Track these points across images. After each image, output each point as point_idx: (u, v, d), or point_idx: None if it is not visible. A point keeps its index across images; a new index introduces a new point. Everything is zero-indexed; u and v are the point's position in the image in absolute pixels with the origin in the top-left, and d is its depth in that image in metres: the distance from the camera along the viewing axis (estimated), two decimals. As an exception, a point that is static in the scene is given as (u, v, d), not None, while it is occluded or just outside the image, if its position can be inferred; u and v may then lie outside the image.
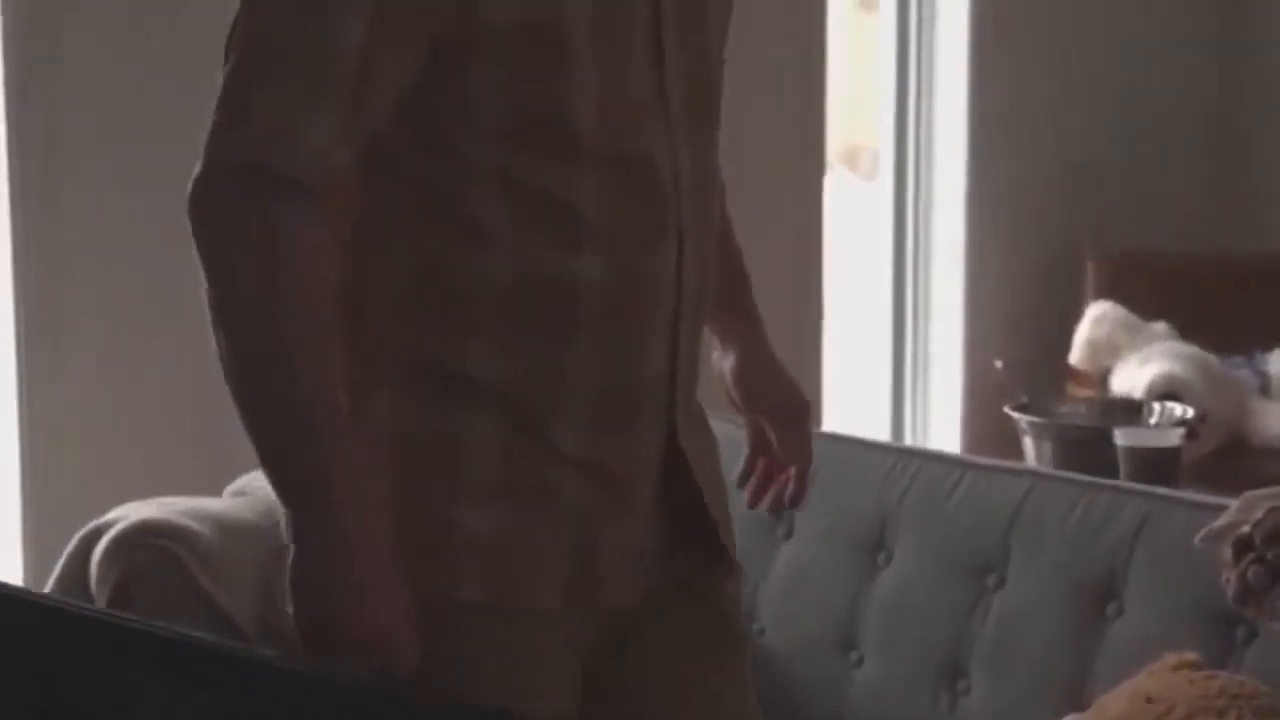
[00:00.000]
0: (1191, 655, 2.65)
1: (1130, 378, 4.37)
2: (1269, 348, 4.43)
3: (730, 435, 2.24)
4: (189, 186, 1.76)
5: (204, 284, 1.77)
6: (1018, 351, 4.39)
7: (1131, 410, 3.79)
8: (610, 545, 1.92)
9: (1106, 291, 4.67)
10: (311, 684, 1.82)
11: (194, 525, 3.02)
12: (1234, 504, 2.74)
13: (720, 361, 2.24)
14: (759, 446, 2.25)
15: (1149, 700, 2.55)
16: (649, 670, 2.03)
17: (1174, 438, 3.36)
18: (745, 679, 2.13)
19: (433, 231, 1.85)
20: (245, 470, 3.24)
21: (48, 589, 3.01)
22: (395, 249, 1.87)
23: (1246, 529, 2.65)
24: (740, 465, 2.28)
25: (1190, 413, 3.72)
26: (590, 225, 1.85)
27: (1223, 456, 4.22)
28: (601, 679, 1.98)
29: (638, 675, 2.02)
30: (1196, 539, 2.73)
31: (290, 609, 1.81)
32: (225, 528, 3.05)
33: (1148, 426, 3.61)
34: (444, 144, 1.83)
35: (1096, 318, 4.59)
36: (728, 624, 2.08)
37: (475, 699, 1.86)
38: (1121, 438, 3.29)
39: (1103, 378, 4.53)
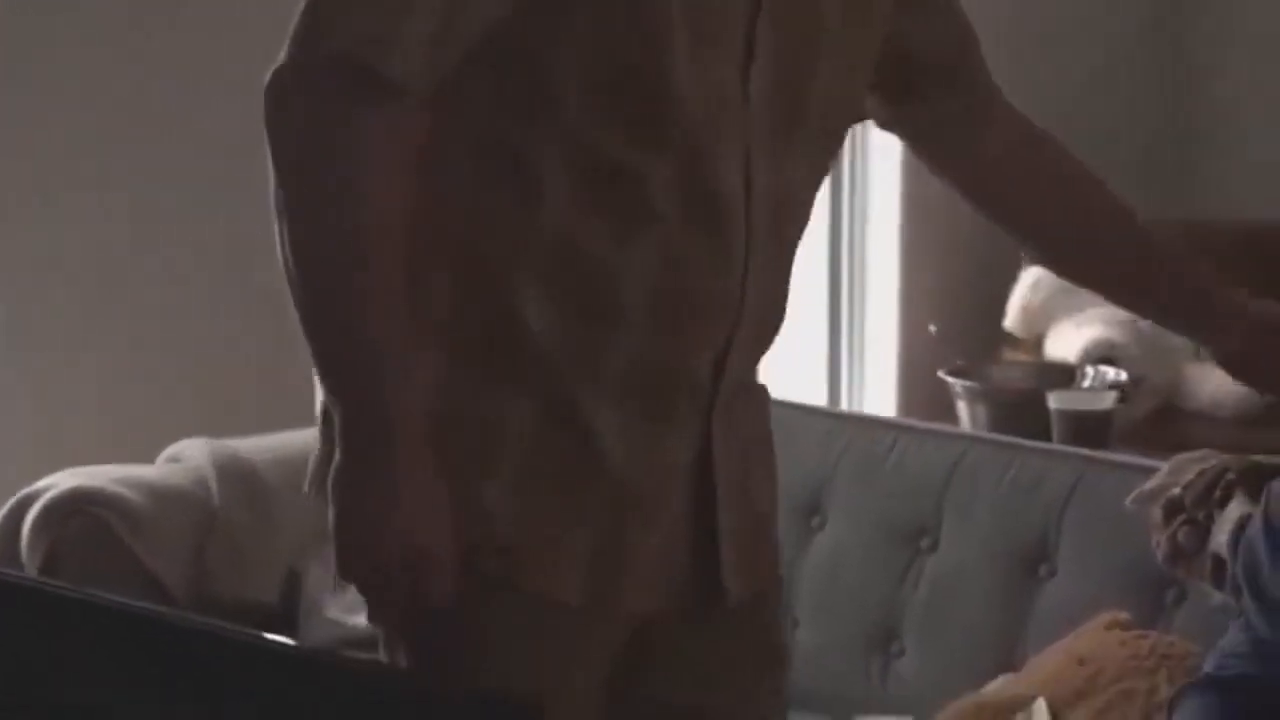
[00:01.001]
0: (1122, 615, 2.67)
1: (1065, 342, 4.38)
2: (1202, 312, 4.44)
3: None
4: (266, 77, 1.72)
5: (272, 175, 1.73)
6: (953, 316, 4.40)
7: (1065, 374, 3.80)
8: (635, 546, 1.87)
9: (1041, 256, 4.68)
10: (288, 660, 1.81)
11: (126, 492, 3.00)
12: (1164, 467, 2.76)
13: (1226, 361, 2.10)
14: None
15: (1080, 661, 2.57)
16: (673, 676, 1.97)
17: (1107, 401, 3.38)
18: (772, 690, 2.06)
19: (488, 183, 1.81)
20: (178, 437, 3.23)
21: (-23, 557, 2.99)
22: (446, 195, 1.82)
23: (1177, 491, 2.67)
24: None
25: (1124, 377, 3.74)
26: (652, 213, 1.80)
27: (1156, 420, 4.22)
28: (627, 682, 1.93)
29: (661, 680, 1.96)
30: (1128, 501, 2.75)
31: (330, 518, 1.78)
32: (157, 495, 3.04)
33: (1081, 390, 3.62)
34: (530, 98, 1.79)
35: (1032, 283, 4.58)
36: (750, 633, 2.01)
37: (490, 682, 1.83)
38: (1055, 401, 3.30)
39: (1038, 342, 4.53)
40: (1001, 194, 2.11)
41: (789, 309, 1.97)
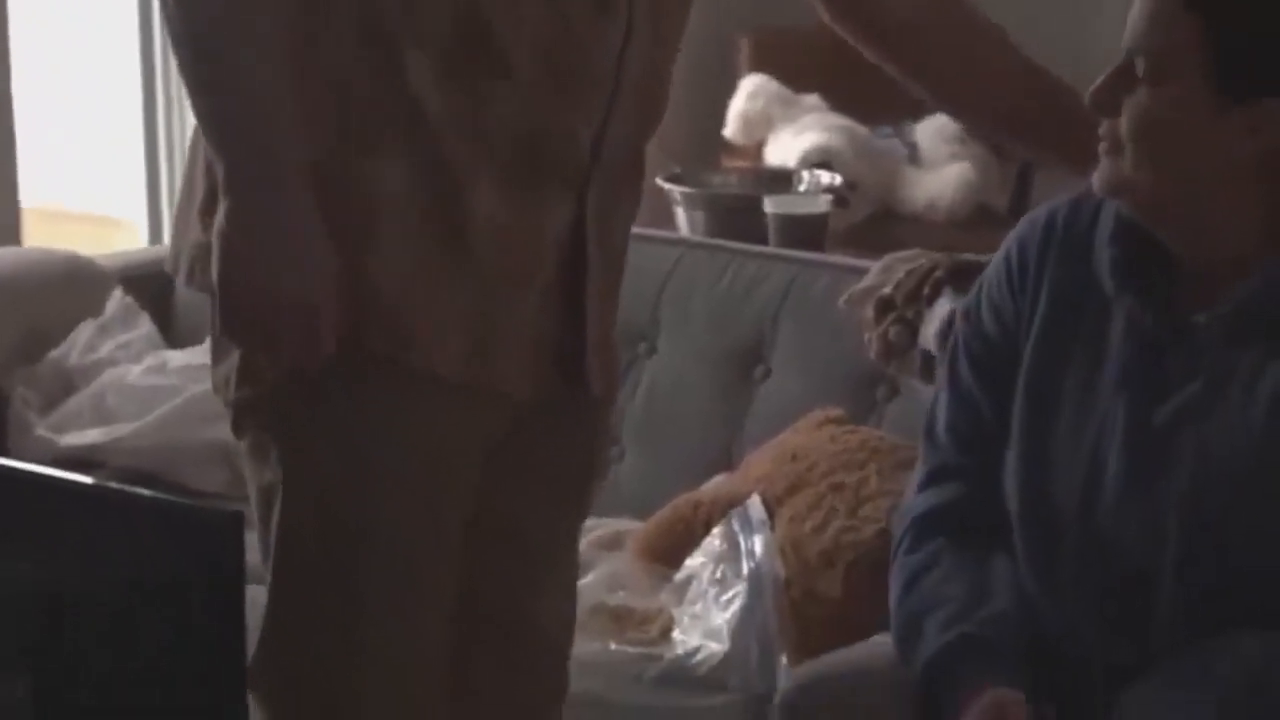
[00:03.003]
0: (835, 412, 2.72)
1: (784, 149, 4.41)
2: (917, 118, 4.50)
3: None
4: None
5: None
6: (673, 126, 4.39)
7: (782, 180, 3.83)
8: (507, 321, 1.87)
9: (759, 65, 4.68)
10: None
11: None
12: (876, 267, 2.80)
13: None
14: None
15: (793, 457, 2.61)
16: (506, 480, 1.98)
17: (821, 205, 3.41)
18: (572, 520, 2.09)
19: None
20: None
21: None
22: None
23: (887, 290, 2.72)
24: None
25: (838, 180, 3.77)
26: None
27: (873, 224, 4.29)
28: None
29: (494, 483, 1.97)
30: (840, 301, 2.79)
31: (212, 270, 1.78)
32: None
33: (797, 194, 3.65)
34: None
35: (750, 91, 4.60)
36: (584, 442, 2.04)
37: (366, 456, 1.85)
38: (770, 205, 3.32)
39: (758, 150, 4.56)
40: (900, 34, 2.11)
41: (666, 101, 1.98)
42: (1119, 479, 1.91)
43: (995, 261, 2.06)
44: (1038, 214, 2.05)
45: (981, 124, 2.31)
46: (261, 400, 1.87)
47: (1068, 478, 1.94)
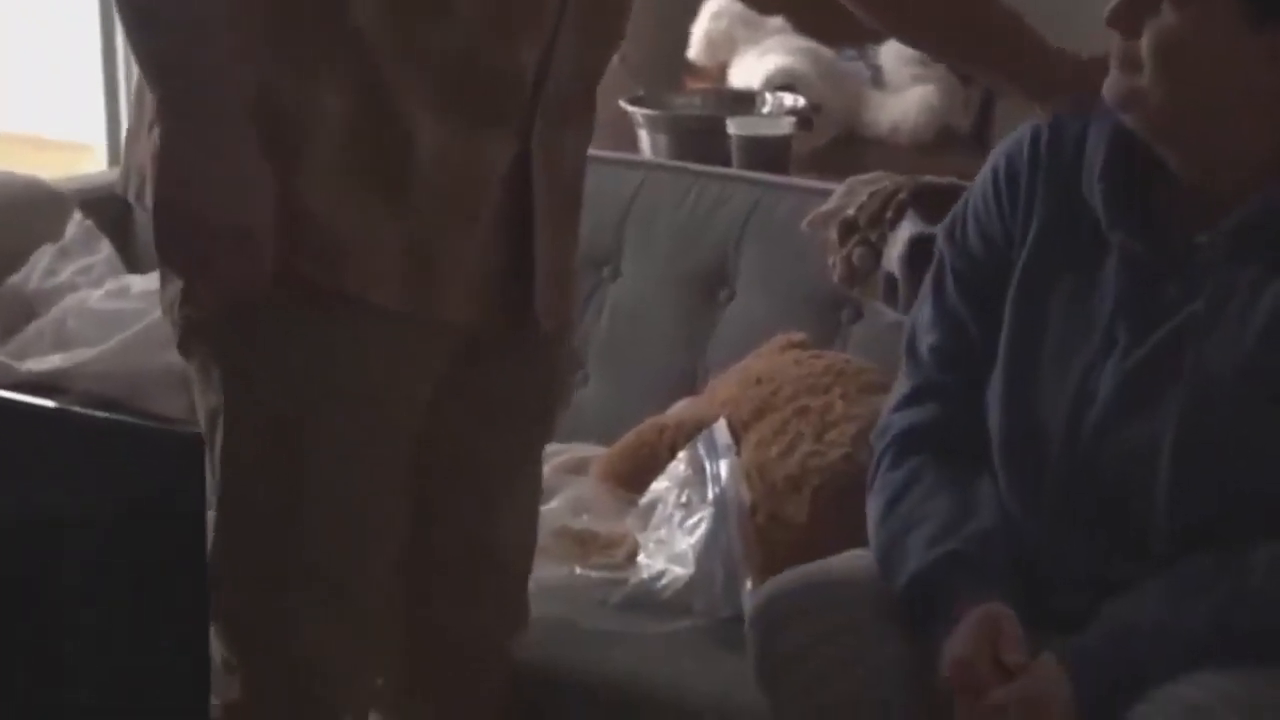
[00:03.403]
0: (798, 336, 2.72)
1: (748, 71, 4.39)
2: (880, 40, 4.48)
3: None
4: None
5: None
6: (636, 47, 4.36)
7: (746, 102, 3.81)
8: (448, 249, 1.87)
9: (723, -15, 4.66)
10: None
11: None
12: (839, 189, 2.79)
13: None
14: None
15: (758, 381, 2.61)
16: (463, 408, 1.99)
17: (784, 126, 3.40)
18: (533, 449, 2.10)
19: None
20: None
21: None
22: None
23: (851, 212, 2.71)
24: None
25: (801, 102, 3.75)
26: None
27: (837, 147, 4.27)
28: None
29: (451, 413, 1.98)
30: (803, 224, 2.78)
31: (148, 193, 1.78)
32: None
33: (760, 116, 3.63)
34: None
35: (714, 13, 4.57)
36: (543, 373, 2.05)
37: (304, 382, 1.85)
38: (734, 127, 3.31)
39: (721, 72, 4.54)
40: None
41: (622, 29, 1.98)
42: (1110, 404, 1.91)
43: (981, 179, 2.06)
44: (1021, 133, 2.05)
45: (935, 51, 2.31)
46: (205, 323, 1.86)
47: (1054, 403, 1.94)
